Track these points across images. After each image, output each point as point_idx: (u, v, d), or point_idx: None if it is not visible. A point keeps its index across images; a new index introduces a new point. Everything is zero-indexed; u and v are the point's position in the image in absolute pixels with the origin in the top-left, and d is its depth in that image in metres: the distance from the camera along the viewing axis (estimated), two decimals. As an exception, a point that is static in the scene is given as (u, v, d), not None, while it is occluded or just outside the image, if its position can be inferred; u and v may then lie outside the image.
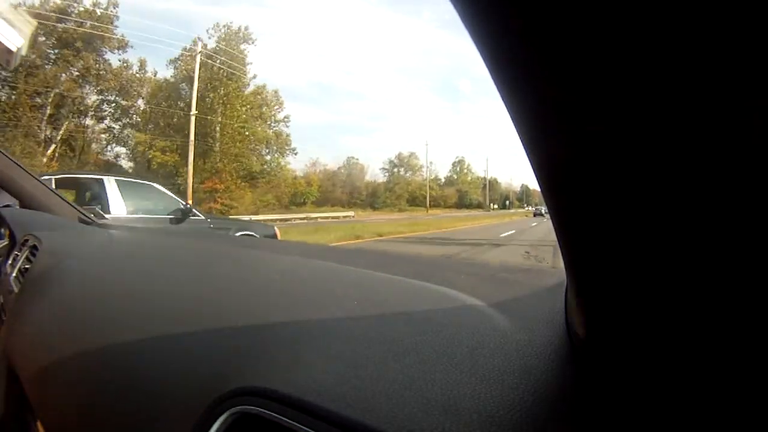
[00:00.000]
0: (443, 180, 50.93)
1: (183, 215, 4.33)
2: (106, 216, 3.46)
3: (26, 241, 1.21)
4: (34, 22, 1.35)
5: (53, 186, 3.58)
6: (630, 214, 0.19)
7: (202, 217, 4.62)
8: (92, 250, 1.04)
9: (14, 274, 1.09)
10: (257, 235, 4.60)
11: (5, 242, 1.45)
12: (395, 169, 44.77)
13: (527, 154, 0.21)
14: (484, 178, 54.39)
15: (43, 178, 3.95)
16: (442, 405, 0.30)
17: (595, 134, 0.17)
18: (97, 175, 4.54)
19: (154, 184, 4.81)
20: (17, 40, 1.28)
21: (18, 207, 1.68)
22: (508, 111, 0.20)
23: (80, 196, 4.14)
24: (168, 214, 4.30)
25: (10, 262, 1.22)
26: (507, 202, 56.14)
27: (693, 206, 0.17)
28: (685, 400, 0.23)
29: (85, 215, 1.76)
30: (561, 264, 0.31)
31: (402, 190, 41.34)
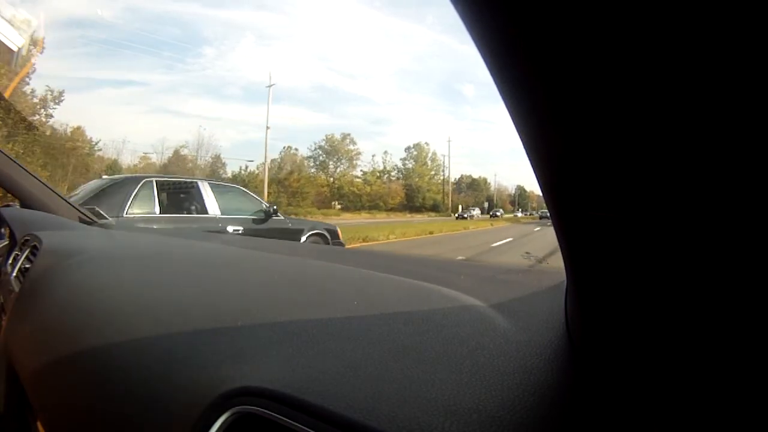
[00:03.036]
0: (395, 172, 38.65)
1: (267, 215, 4.47)
2: (203, 216, 4.07)
3: (27, 240, 1.21)
4: (35, 22, 1.35)
5: (155, 189, 3.82)
6: (630, 214, 0.19)
7: (283, 218, 4.85)
8: (93, 250, 1.04)
9: (14, 274, 1.10)
10: (326, 233, 4.94)
11: (6, 242, 1.45)
12: (322, 157, 34.57)
13: (528, 154, 0.22)
14: (445, 169, 40.76)
15: (144, 180, 3.87)
16: (442, 405, 0.30)
17: (596, 134, 0.17)
18: (191, 178, 4.80)
19: (238, 187, 5.14)
20: (18, 40, 1.29)
21: (18, 207, 1.68)
22: (508, 111, 0.20)
23: (175, 198, 4.16)
24: (252, 215, 4.41)
25: (10, 261, 1.22)
26: (487, 204, 45.31)
27: (693, 208, 0.17)
28: (683, 401, 0.23)
29: (85, 215, 1.76)
30: (561, 264, 0.31)
31: (301, 185, 29.12)
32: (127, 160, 26.63)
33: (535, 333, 0.40)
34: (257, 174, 29.44)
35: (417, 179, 39.02)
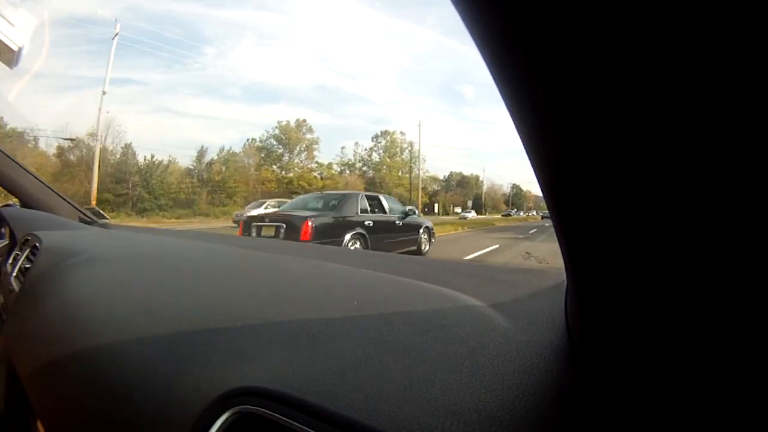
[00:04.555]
0: (360, 164, 32.50)
1: (406, 215, 7.04)
2: (385, 214, 6.52)
3: (27, 240, 1.21)
4: (36, 21, 1.35)
5: (365, 199, 6.25)
6: (630, 214, 0.19)
7: (414, 216, 7.54)
8: (93, 250, 1.04)
9: (15, 274, 1.09)
10: (431, 227, 7.80)
11: (6, 242, 1.45)
12: (275, 147, 29.36)
13: (528, 154, 0.22)
14: (416, 162, 33.17)
15: (361, 194, 6.71)
16: (442, 405, 0.30)
17: (596, 134, 0.17)
18: (375, 193, 7.69)
19: (392, 197, 8.09)
20: (19, 40, 1.29)
21: (19, 206, 1.69)
22: (509, 111, 0.20)
23: (373, 204, 6.57)
24: (400, 213, 6.96)
25: (10, 261, 1.22)
26: (470, 204, 38.36)
27: (694, 207, 0.17)
28: (683, 401, 0.23)
29: (85, 215, 1.76)
30: (561, 265, 0.31)
31: (224, 179, 23.10)
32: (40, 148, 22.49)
33: (535, 333, 0.40)
34: (158, 163, 24.11)
35: (384, 172, 32.69)
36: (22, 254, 1.15)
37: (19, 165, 1.66)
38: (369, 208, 6.22)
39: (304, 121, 30.62)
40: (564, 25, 0.14)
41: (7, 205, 1.70)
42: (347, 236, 5.37)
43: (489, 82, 0.18)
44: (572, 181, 0.20)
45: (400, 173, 34.08)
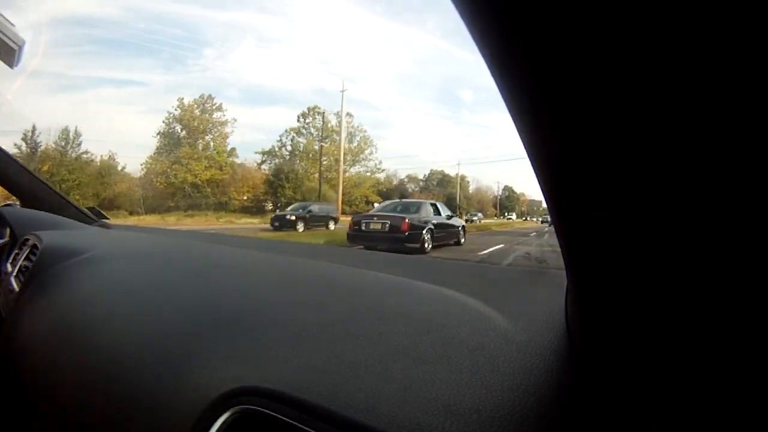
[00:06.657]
0: (282, 153, 24.33)
1: (450, 217, 9.60)
2: (440, 215, 9.11)
3: (27, 240, 1.21)
4: (36, 21, 1.35)
5: (431, 208, 9.44)
6: (630, 214, 0.19)
7: (455, 217, 10.53)
8: (93, 250, 1.04)
9: (15, 274, 1.09)
10: (464, 224, 10.58)
11: (6, 241, 1.45)
12: (174, 127, 21.82)
13: (528, 154, 0.22)
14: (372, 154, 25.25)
15: (430, 201, 10.96)
16: (442, 405, 0.30)
17: (596, 135, 0.17)
18: (434, 201, 10.38)
19: (443, 204, 10.39)
20: (19, 39, 1.29)
21: (19, 206, 1.69)
22: (509, 111, 0.20)
23: (434, 209, 9.07)
24: (447, 215, 9.47)
25: (10, 261, 1.22)
26: (435, 205, 18.73)
27: (693, 208, 0.17)
28: (683, 401, 0.23)
29: (86, 215, 1.77)
30: (562, 265, 0.31)
31: (58, 174, 17.80)
32: None
33: (535, 333, 0.40)
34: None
35: (309, 160, 24.99)
36: (22, 254, 1.14)
37: (20, 165, 1.66)
38: (433, 212, 8.91)
39: (210, 96, 22.68)
40: (564, 25, 0.14)
41: (8, 205, 1.70)
42: (424, 230, 7.78)
43: (487, 86, 0.18)
44: (572, 181, 0.20)
45: (350, 168, 25.99)
